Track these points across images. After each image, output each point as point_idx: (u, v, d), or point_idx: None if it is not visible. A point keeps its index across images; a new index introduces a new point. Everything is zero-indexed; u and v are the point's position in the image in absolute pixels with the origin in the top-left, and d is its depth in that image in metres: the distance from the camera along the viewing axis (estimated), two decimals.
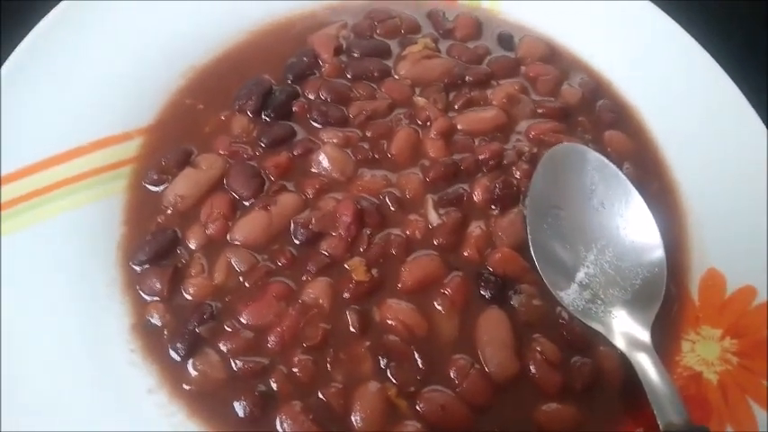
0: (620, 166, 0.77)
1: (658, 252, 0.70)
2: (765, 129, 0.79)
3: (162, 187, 0.73)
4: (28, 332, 0.62)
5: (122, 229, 0.71)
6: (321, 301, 0.66)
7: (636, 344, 0.65)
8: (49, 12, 0.79)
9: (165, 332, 0.65)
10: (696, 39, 0.87)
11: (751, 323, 0.69)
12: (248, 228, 0.70)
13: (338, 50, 0.86)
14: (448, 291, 0.68)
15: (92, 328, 0.64)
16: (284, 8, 0.89)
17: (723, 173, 0.78)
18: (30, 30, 0.77)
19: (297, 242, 0.70)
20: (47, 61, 0.77)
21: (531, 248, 0.70)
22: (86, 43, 0.80)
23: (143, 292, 0.67)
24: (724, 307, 0.70)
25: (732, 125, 0.81)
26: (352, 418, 0.61)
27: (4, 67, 0.74)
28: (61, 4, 0.80)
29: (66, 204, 0.70)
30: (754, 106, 0.81)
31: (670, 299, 0.70)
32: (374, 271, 0.68)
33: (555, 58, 0.90)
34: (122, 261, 0.69)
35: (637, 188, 0.74)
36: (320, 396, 0.62)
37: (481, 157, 0.77)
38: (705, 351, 0.68)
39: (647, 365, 0.63)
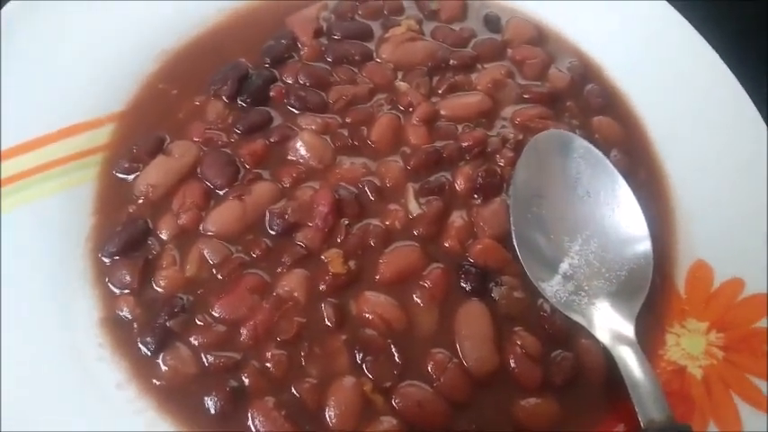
0: (607, 154, 0.75)
1: (645, 243, 0.68)
2: (760, 117, 0.76)
3: (133, 176, 0.71)
4: None
5: (92, 219, 0.69)
6: (296, 293, 0.64)
7: (619, 337, 0.63)
8: None
9: (135, 326, 0.63)
10: (691, 23, 0.84)
11: (738, 316, 0.67)
12: (222, 218, 0.68)
13: (318, 33, 0.83)
14: (427, 283, 0.66)
15: (59, 322, 0.62)
16: None
17: (714, 162, 0.76)
18: None
19: (272, 233, 0.68)
20: (15, 46, 0.74)
21: (514, 239, 0.68)
22: (56, 27, 0.77)
23: (113, 284, 0.65)
24: (710, 299, 0.68)
25: (725, 113, 0.78)
26: (327, 414, 0.59)
27: None
28: None
29: (35, 194, 0.68)
30: (749, 93, 0.78)
31: (655, 291, 0.68)
32: (352, 263, 0.66)
33: (543, 41, 0.87)
34: (92, 253, 0.67)
35: (624, 176, 0.72)
36: (294, 392, 0.60)
37: (464, 144, 0.75)
38: (690, 345, 0.66)
39: (629, 360, 0.61)
